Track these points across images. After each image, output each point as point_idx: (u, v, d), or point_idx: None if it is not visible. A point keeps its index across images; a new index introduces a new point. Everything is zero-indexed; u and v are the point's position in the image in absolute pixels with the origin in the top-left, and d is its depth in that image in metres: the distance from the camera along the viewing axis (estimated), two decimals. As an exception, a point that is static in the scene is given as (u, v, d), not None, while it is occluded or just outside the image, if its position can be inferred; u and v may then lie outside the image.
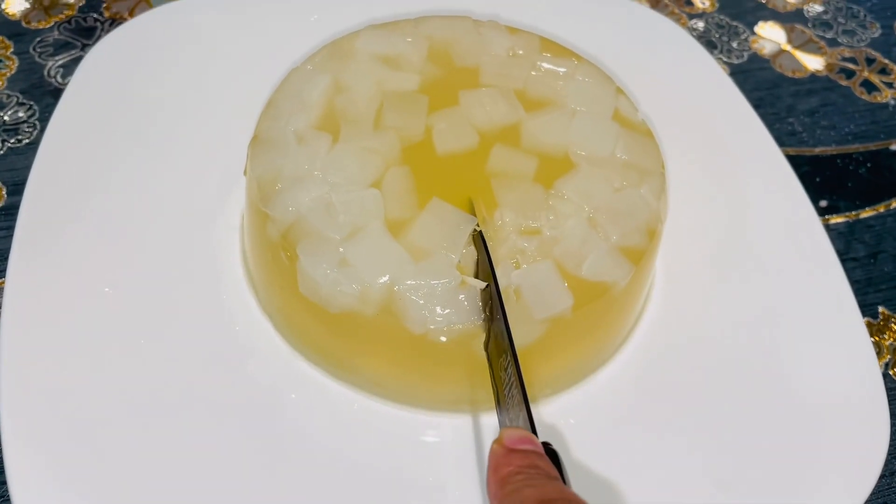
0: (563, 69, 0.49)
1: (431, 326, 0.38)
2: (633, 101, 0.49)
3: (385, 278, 0.38)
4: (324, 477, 0.39)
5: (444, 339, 0.38)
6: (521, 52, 0.50)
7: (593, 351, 0.43)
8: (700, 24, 0.72)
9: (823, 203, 0.58)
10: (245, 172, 0.44)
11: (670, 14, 0.73)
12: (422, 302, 0.38)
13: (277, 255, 0.41)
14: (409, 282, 0.38)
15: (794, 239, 0.51)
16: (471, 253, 0.39)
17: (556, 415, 0.42)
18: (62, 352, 0.41)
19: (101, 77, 0.53)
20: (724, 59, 0.68)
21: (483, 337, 0.38)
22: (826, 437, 0.43)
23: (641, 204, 0.43)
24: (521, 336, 0.37)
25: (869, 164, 0.61)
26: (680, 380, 0.44)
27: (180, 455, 0.39)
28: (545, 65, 0.49)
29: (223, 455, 0.39)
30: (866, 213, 0.58)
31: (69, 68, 0.59)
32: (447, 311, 0.38)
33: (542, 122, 0.45)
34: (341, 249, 0.39)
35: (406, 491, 0.39)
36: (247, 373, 0.42)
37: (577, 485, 0.30)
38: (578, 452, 0.40)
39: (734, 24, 0.72)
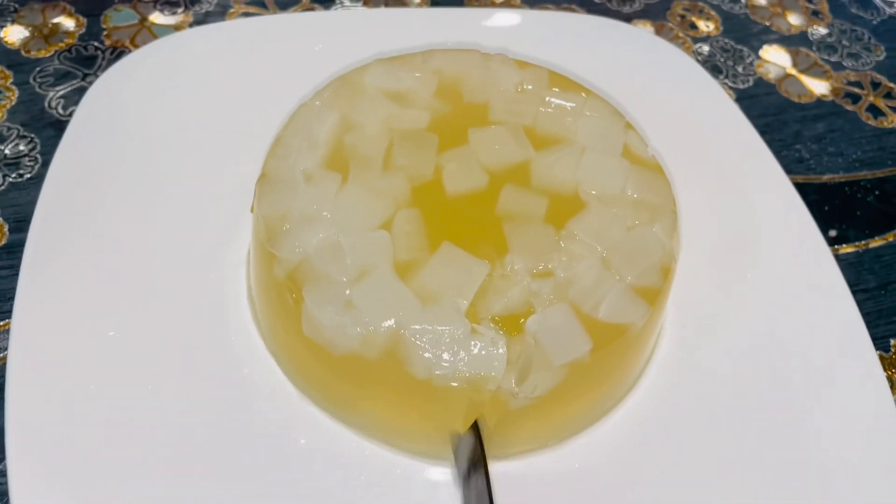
0: (571, 104, 0.48)
1: (436, 372, 0.37)
2: (643, 134, 0.48)
3: (390, 322, 0.38)
4: None
5: (448, 385, 0.37)
6: (529, 86, 0.49)
7: (608, 393, 0.43)
8: (705, 48, 0.72)
9: (833, 233, 0.58)
10: (252, 210, 0.44)
11: (674, 38, 0.72)
12: (426, 347, 0.37)
13: (283, 296, 0.40)
14: (414, 326, 0.37)
15: (805, 272, 0.51)
16: (485, 301, 0.39)
17: (566, 459, 0.41)
18: (69, 395, 0.40)
19: (105, 110, 0.53)
20: (730, 84, 0.68)
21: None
22: (841, 472, 0.42)
23: (655, 242, 0.43)
24: (540, 384, 0.36)
25: (877, 192, 0.61)
26: (692, 421, 0.43)
27: (187, 498, 0.38)
28: (554, 100, 0.49)
29: (228, 498, 0.38)
30: (876, 243, 0.58)
31: (70, 98, 0.59)
32: (453, 357, 0.37)
33: (551, 160, 0.45)
34: (347, 292, 0.38)
35: None
36: (252, 414, 0.41)
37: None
38: (586, 499, 0.40)
39: (739, 47, 0.72)
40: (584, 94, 0.49)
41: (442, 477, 0.40)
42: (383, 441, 0.41)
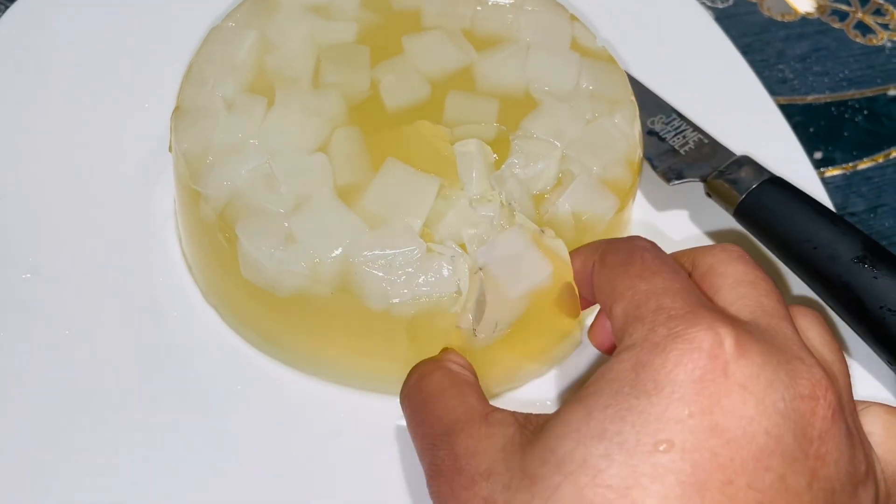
0: (510, 1, 0.45)
1: (394, 301, 0.34)
2: (591, 27, 0.45)
3: (338, 251, 0.34)
4: (287, 471, 0.35)
5: (410, 313, 0.34)
6: (464, -14, 0.45)
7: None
8: None
9: (818, 155, 0.54)
10: (170, 149, 0.39)
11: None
12: (381, 274, 0.34)
13: (215, 238, 0.36)
14: (365, 253, 0.34)
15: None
16: (440, 220, 0.35)
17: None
18: None
19: (12, 43, 0.47)
20: (709, 4, 0.63)
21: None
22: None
23: (617, 134, 0.39)
24: (500, 320, 0.33)
25: (866, 112, 0.57)
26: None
27: (120, 464, 0.35)
28: (491, -2, 0.45)
29: (172, 462, 0.35)
30: (864, 164, 0.54)
31: None
32: (411, 282, 0.34)
33: (496, 60, 0.41)
34: (286, 224, 0.35)
35: (374, 479, 0.35)
36: (198, 372, 0.38)
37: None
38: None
39: None
40: (522, -11, 0.45)
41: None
42: (344, 382, 0.37)
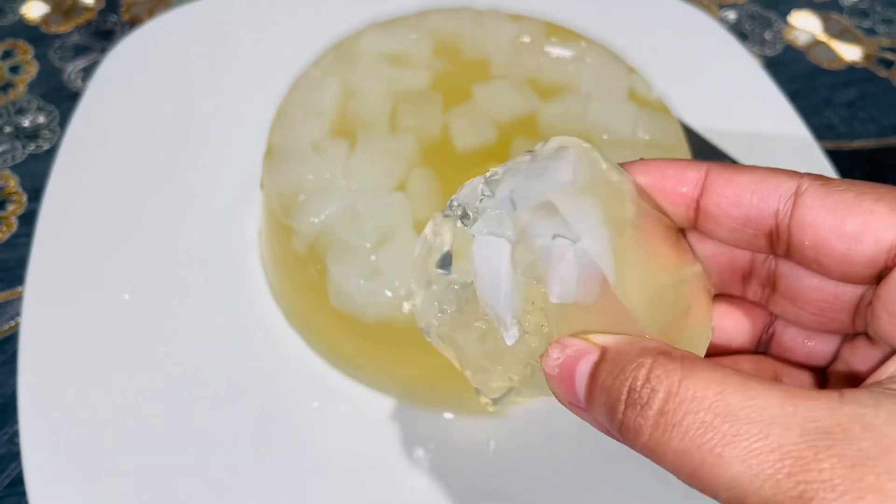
0: (571, 53, 0.48)
1: None
2: (646, 77, 0.48)
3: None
4: (363, 485, 0.38)
5: None
6: (527, 39, 0.49)
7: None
8: (732, 15, 0.69)
9: None
10: (261, 186, 0.43)
11: (699, 4, 0.70)
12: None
13: (305, 269, 0.40)
14: None
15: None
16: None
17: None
18: (81, 359, 0.41)
19: (117, 81, 0.53)
20: (757, 52, 0.66)
21: None
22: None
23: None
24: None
25: None
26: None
27: (206, 472, 0.38)
28: (553, 50, 0.48)
29: (259, 476, 0.38)
30: None
31: (88, 71, 0.58)
32: None
33: (559, 109, 0.45)
34: (373, 257, 0.38)
35: (445, 495, 0.38)
36: (275, 385, 0.41)
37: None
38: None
39: (767, 14, 0.70)
40: (583, 43, 0.48)
41: (488, 429, 0.40)
42: (417, 401, 0.41)
